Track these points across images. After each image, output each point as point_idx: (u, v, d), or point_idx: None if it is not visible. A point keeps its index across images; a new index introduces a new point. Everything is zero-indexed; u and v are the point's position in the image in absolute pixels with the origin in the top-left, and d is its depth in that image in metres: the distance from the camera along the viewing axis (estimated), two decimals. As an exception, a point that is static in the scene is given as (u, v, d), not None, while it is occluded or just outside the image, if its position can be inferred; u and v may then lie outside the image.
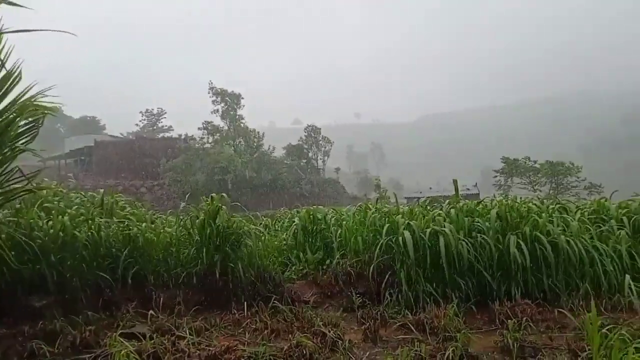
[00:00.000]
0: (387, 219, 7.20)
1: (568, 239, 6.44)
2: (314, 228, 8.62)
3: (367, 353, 4.81)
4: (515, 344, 4.68)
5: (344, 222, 7.99)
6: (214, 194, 7.12)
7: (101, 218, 7.00)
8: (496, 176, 64.06)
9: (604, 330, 3.93)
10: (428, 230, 6.41)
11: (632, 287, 5.87)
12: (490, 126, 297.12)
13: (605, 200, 8.60)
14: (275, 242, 8.44)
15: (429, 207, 7.78)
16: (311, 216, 8.72)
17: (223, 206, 6.93)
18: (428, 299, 6.03)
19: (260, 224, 10.55)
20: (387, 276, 6.44)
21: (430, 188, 79.68)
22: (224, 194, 7.22)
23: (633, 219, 7.44)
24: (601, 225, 7.41)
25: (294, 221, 8.88)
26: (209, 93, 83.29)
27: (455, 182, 7.90)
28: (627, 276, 6.05)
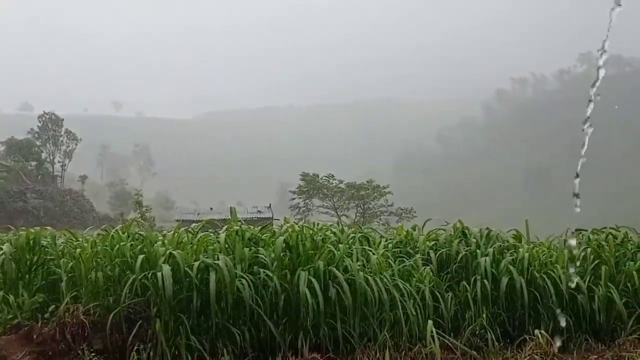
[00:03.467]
0: (143, 248, 7.03)
1: (367, 276, 6.96)
2: (35, 259, 8.03)
3: None
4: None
5: (80, 251, 7.58)
6: None
7: None
8: (293, 198, 67.22)
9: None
10: (196, 263, 6.40)
11: (435, 334, 6.58)
12: (292, 131, 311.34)
13: (414, 230, 9.48)
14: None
15: (202, 234, 7.80)
16: (31, 242, 8.10)
17: None
18: (192, 356, 6.01)
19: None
20: (138, 326, 6.29)
21: (211, 209, 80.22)
22: None
23: (439, 253, 8.32)
24: (406, 259, 8.13)
25: (1, 249, 8.16)
26: None
27: (232, 209, 8.15)
28: (430, 322, 6.78)
